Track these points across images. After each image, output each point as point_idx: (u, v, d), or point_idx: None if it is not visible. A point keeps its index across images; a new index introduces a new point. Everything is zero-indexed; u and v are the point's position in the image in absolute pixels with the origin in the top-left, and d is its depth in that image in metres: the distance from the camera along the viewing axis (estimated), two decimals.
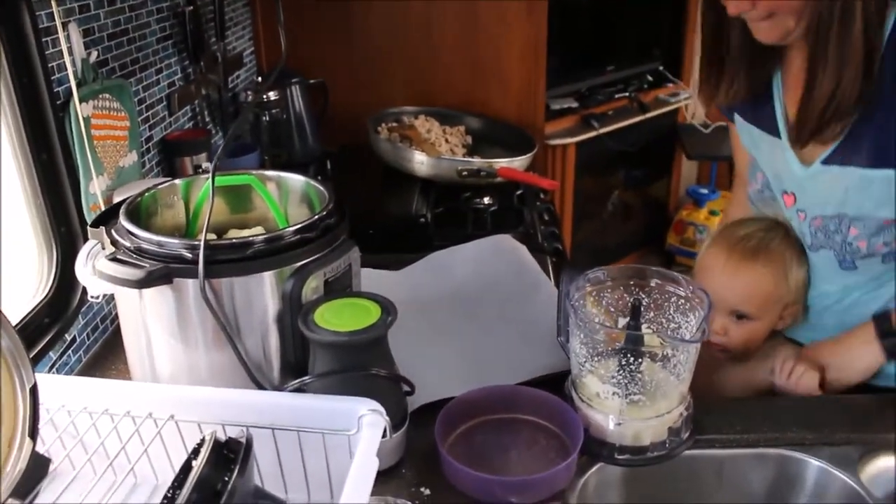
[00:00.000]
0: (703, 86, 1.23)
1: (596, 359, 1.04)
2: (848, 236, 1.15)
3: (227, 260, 0.96)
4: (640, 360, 1.03)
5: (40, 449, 0.85)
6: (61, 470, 0.96)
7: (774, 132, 1.20)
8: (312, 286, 0.99)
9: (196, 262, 0.94)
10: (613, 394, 1.02)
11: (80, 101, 1.22)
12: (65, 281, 1.23)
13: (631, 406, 1.02)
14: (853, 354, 1.18)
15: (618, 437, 1.04)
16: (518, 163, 1.91)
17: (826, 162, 1.13)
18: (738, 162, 1.42)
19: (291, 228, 0.99)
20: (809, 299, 1.28)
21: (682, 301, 1.08)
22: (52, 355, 1.19)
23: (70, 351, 1.24)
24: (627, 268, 1.12)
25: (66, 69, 1.21)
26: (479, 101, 2.33)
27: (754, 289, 1.25)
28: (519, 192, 1.94)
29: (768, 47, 1.12)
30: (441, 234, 1.69)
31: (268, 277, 0.98)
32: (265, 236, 0.98)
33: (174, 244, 0.96)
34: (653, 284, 1.10)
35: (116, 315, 1.37)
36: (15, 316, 1.14)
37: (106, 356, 1.30)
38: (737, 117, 1.29)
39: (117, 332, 1.33)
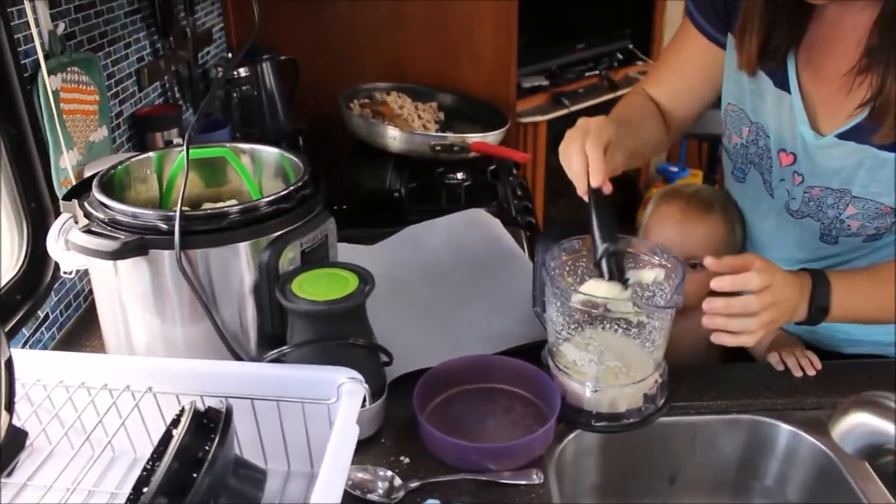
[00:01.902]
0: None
1: (572, 327, 1.05)
2: (843, 213, 1.13)
3: (203, 231, 0.95)
4: (615, 328, 1.05)
5: (16, 424, 0.84)
6: (38, 445, 0.96)
7: (785, 87, 1.15)
8: (289, 257, 0.99)
9: (171, 234, 0.93)
10: (590, 361, 1.03)
11: (49, 74, 1.20)
12: (36, 257, 1.22)
13: (607, 373, 1.04)
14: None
15: (594, 405, 1.05)
16: (491, 138, 1.91)
17: (842, 136, 1.10)
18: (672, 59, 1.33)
19: (267, 199, 0.99)
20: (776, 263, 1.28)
21: (657, 269, 1.09)
22: (25, 332, 1.18)
23: (43, 328, 1.23)
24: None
25: (32, 41, 1.19)
26: (450, 78, 2.33)
27: (710, 235, 1.31)
28: (492, 168, 1.95)
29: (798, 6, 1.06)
30: (415, 209, 1.70)
31: (244, 248, 0.97)
32: (241, 206, 0.98)
33: (149, 215, 0.95)
34: (627, 253, 1.11)
35: (90, 292, 1.36)
36: None
37: (80, 333, 1.29)
38: (732, 48, 1.20)
39: (90, 309, 1.32)
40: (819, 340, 1.26)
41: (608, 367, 1.04)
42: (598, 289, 1.02)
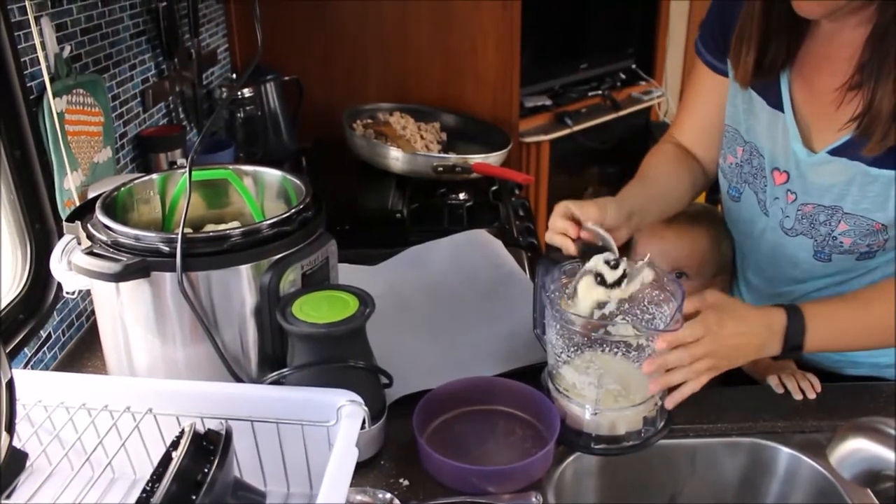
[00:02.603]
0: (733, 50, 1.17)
1: (572, 349, 1.06)
2: (835, 230, 1.13)
3: (205, 253, 0.96)
4: (615, 351, 1.05)
5: (16, 445, 0.85)
6: (38, 466, 0.96)
7: (778, 106, 1.15)
8: (290, 279, 1.00)
9: (173, 256, 0.94)
10: (589, 384, 1.04)
11: (54, 96, 1.21)
12: (39, 277, 1.22)
13: (606, 396, 1.04)
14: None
15: (594, 427, 1.05)
16: (493, 159, 1.92)
17: (833, 153, 1.10)
18: (693, 102, 1.34)
19: (268, 221, 1.00)
20: (769, 281, 1.29)
21: (657, 293, 1.09)
22: (27, 352, 1.19)
23: (45, 348, 1.24)
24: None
25: (38, 64, 1.20)
26: (453, 98, 2.34)
27: (696, 247, 1.40)
28: (494, 188, 1.96)
29: (794, 21, 1.07)
30: (417, 230, 1.70)
31: (245, 270, 0.98)
32: (243, 229, 0.98)
33: (151, 237, 0.96)
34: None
35: (92, 312, 1.37)
36: None
37: (81, 353, 1.29)
38: (730, 71, 1.21)
39: (92, 329, 1.32)
40: (820, 362, 1.26)
41: (608, 389, 1.04)
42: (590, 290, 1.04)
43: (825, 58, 1.11)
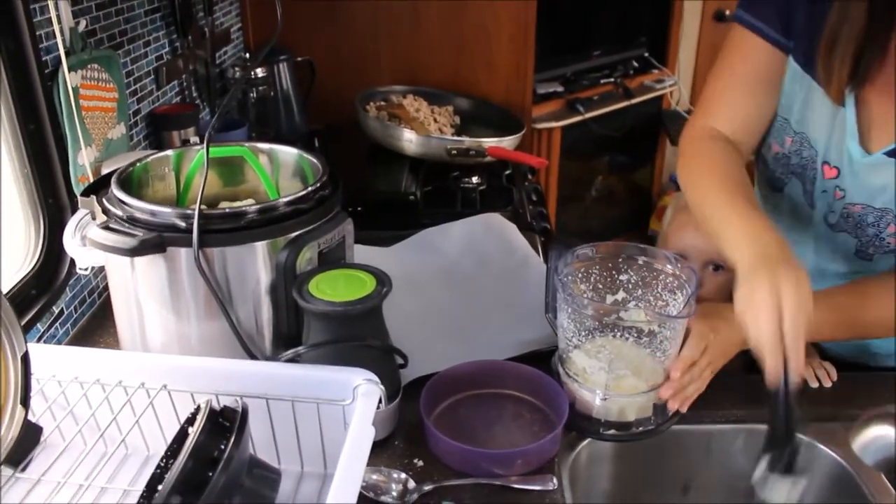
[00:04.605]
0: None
1: (584, 334, 1.05)
2: (884, 232, 1.10)
3: (221, 229, 0.95)
4: (626, 336, 1.04)
5: (30, 419, 0.84)
6: (51, 441, 0.95)
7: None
8: (307, 257, 0.99)
9: (190, 231, 0.93)
10: (600, 369, 1.03)
11: (69, 71, 1.20)
12: (52, 253, 1.22)
13: (617, 381, 1.03)
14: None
15: (603, 413, 1.05)
16: (507, 143, 1.91)
17: (891, 154, 1.05)
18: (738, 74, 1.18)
19: (285, 199, 0.99)
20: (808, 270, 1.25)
21: (671, 279, 1.08)
22: (40, 327, 1.18)
23: (58, 324, 1.23)
24: (616, 245, 1.12)
25: (53, 38, 1.19)
26: (466, 82, 2.32)
27: None
28: (507, 172, 1.94)
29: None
30: (430, 213, 1.69)
31: (261, 247, 0.97)
32: (259, 206, 0.98)
33: (167, 213, 0.95)
34: (640, 262, 1.10)
35: (104, 288, 1.36)
36: (2, 287, 1.13)
37: (94, 330, 1.29)
38: (793, 63, 1.12)
39: (104, 307, 1.32)
40: (842, 353, 1.25)
41: (618, 375, 1.03)
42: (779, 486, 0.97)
43: (892, 55, 1.00)
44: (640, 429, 1.05)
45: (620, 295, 1.13)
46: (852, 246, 1.15)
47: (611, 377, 1.03)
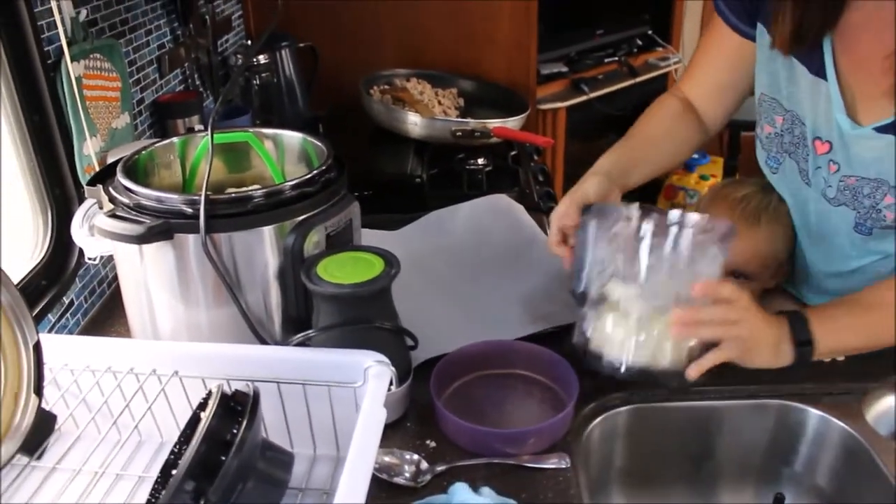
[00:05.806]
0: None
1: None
2: (880, 203, 1.08)
3: (228, 214, 0.95)
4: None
5: (44, 408, 0.85)
6: (65, 430, 0.96)
7: (821, 73, 1.09)
8: (314, 241, 0.99)
9: (196, 217, 0.93)
10: (637, 297, 0.96)
11: (72, 61, 1.20)
12: (61, 243, 1.22)
13: (654, 315, 0.96)
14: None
15: (635, 355, 0.97)
16: (512, 123, 1.90)
17: (881, 130, 1.04)
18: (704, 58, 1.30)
19: (291, 183, 0.99)
20: (813, 254, 1.24)
21: (701, 235, 0.98)
22: (51, 318, 1.19)
23: (68, 314, 1.24)
24: (646, 206, 1.03)
25: (55, 28, 1.19)
26: (470, 64, 2.31)
27: (758, 250, 1.25)
28: (513, 153, 1.94)
29: None
30: (436, 195, 1.68)
31: (268, 232, 0.97)
32: (265, 190, 0.98)
33: (174, 199, 0.95)
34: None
35: (114, 278, 1.37)
36: (12, 278, 1.13)
37: (104, 319, 1.29)
38: (762, 36, 1.16)
39: (114, 296, 1.32)
40: None
41: (655, 306, 0.96)
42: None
43: (872, 23, 1.03)
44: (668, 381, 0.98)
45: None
46: (851, 219, 1.13)
47: (647, 308, 0.96)
